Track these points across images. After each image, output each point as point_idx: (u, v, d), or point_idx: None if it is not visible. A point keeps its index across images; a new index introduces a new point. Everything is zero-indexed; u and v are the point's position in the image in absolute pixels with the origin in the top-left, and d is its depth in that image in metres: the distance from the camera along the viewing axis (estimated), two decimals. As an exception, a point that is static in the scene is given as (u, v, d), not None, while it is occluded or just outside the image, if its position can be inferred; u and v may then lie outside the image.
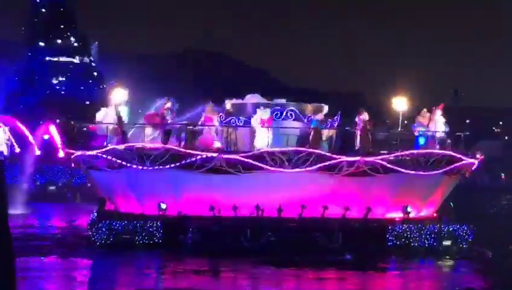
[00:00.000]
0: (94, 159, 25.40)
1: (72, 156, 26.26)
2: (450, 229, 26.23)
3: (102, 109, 27.05)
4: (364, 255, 24.78)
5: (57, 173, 50.03)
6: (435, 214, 27.77)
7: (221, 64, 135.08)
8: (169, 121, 25.88)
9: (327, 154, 25.43)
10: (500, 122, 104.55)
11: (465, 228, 26.45)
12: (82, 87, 72.17)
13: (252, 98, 29.07)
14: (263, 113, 25.84)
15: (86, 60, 75.08)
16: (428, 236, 26.01)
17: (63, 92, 72.51)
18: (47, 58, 73.88)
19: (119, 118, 25.29)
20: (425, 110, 28.19)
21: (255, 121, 25.89)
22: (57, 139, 54.62)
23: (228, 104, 28.31)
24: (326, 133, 27.08)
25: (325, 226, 25.33)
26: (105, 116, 26.08)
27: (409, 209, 26.39)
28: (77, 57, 73.99)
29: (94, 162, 25.56)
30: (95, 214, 26.43)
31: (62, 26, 73.72)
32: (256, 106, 27.63)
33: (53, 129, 53.35)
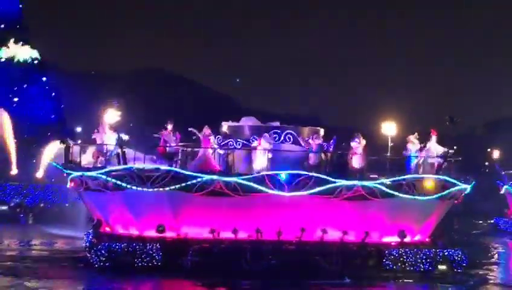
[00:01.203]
0: (92, 180, 25.18)
1: (70, 177, 26.02)
2: (445, 253, 26.54)
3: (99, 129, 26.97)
4: (362, 279, 24.97)
5: (10, 193, 48.80)
6: (427, 239, 28.10)
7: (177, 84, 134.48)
8: (172, 144, 25.88)
9: (326, 177, 25.59)
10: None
11: (459, 253, 26.79)
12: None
13: (247, 121, 29.19)
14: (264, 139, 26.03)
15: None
16: (423, 260, 26.27)
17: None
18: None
19: (121, 139, 25.21)
20: (412, 136, 28.52)
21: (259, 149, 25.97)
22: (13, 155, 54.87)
23: (225, 126, 28.38)
24: (323, 157, 27.34)
25: (324, 250, 25.46)
26: (105, 138, 25.97)
27: (403, 233, 26.67)
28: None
29: (91, 183, 25.33)
30: (91, 235, 26.16)
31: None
32: (253, 128, 27.83)
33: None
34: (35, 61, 66.68)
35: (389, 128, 32.93)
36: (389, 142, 31.63)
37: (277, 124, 29.19)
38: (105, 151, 26.13)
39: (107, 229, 26.43)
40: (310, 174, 25.51)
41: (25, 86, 65.63)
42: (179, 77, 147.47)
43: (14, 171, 53.53)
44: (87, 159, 26.38)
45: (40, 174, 51.58)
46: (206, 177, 24.87)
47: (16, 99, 64.34)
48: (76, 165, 26.28)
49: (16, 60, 65.66)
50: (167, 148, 26.16)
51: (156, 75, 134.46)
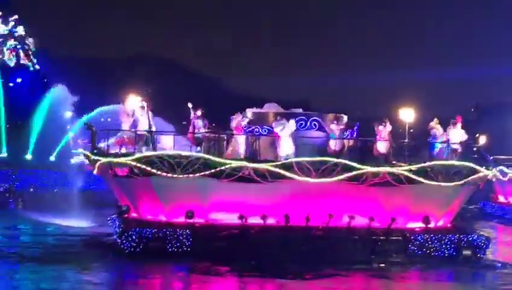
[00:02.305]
0: (121, 167, 25.31)
1: (98, 163, 26.13)
2: (469, 239, 26.84)
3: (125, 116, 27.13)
4: (390, 264, 25.25)
5: None
6: (449, 225, 28.39)
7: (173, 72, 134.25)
8: (201, 130, 26.04)
9: (353, 164, 25.79)
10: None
11: (483, 238, 27.11)
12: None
13: (270, 107, 29.34)
14: (290, 125, 26.16)
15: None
16: (448, 246, 26.55)
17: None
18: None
19: (150, 125, 25.36)
20: (433, 122, 28.75)
21: (283, 133, 26.12)
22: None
23: (249, 113, 28.48)
24: (346, 143, 27.58)
25: (351, 236, 25.70)
26: (136, 123, 26.12)
27: (427, 219, 26.94)
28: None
29: (120, 170, 25.45)
30: (120, 221, 26.32)
31: None
32: (278, 115, 27.96)
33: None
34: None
35: (407, 115, 33.25)
36: (407, 128, 31.96)
37: (300, 110, 29.36)
38: (134, 137, 26.32)
39: (134, 215, 26.56)
40: (337, 160, 25.70)
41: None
42: (170, 62, 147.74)
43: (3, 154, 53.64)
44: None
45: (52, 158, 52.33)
46: (235, 163, 25.04)
47: (8, 83, 64.49)
48: (103, 151, 26.46)
49: None
50: (195, 134, 26.31)
51: (148, 61, 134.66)
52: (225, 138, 27.52)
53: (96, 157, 26.08)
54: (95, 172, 27.25)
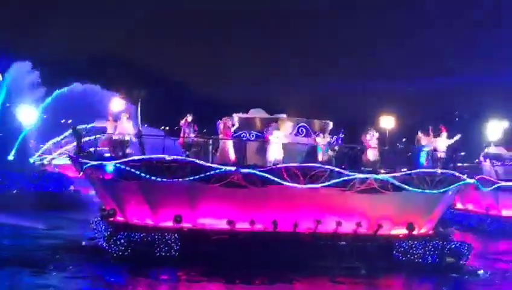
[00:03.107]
0: (110, 170, 25.15)
1: (85, 166, 25.92)
2: (453, 246, 27.22)
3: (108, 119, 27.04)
4: (376, 270, 25.49)
5: None
6: (431, 231, 28.75)
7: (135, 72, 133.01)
8: (191, 135, 26.01)
9: (341, 171, 25.99)
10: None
11: (466, 245, 27.52)
12: None
13: (256, 113, 29.43)
14: (284, 128, 26.33)
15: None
16: (431, 253, 26.90)
17: None
18: None
19: (139, 130, 25.28)
20: (420, 133, 29.21)
21: (274, 137, 26.22)
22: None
23: (235, 118, 28.54)
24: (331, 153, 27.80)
25: (338, 242, 25.89)
26: (120, 127, 25.97)
27: (411, 226, 27.27)
28: None
29: (108, 173, 25.30)
30: (107, 225, 26.13)
31: None
32: (265, 120, 28.08)
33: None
34: None
35: (387, 122, 33.68)
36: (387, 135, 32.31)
37: (284, 116, 29.48)
38: (120, 140, 26.21)
39: (120, 218, 26.39)
40: (325, 167, 25.88)
41: None
42: (130, 63, 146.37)
43: None
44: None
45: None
46: (224, 168, 25.05)
47: None
48: (90, 154, 26.30)
49: None
50: (185, 139, 26.28)
51: (110, 62, 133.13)
52: (210, 142, 27.56)
53: (84, 161, 25.87)
54: (80, 175, 27.03)
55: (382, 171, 27.12)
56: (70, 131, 57.66)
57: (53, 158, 59.33)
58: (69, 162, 61.96)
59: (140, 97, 25.95)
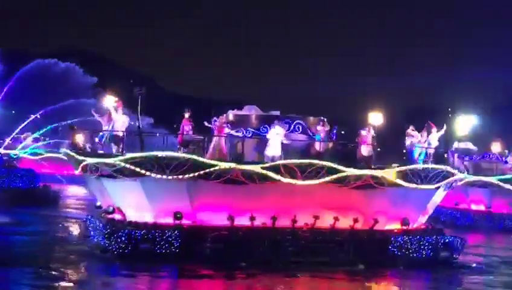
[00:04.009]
0: (109, 167, 25.10)
1: (83, 163, 25.82)
2: (447, 240, 27.68)
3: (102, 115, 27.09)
4: (374, 265, 25.81)
5: None
6: (423, 226, 29.19)
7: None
8: (190, 132, 26.06)
9: (338, 167, 26.24)
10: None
11: (459, 240, 28.01)
12: None
13: (250, 109, 29.58)
14: (278, 129, 26.49)
15: None
16: (426, 247, 27.30)
17: None
18: None
19: (139, 127, 25.28)
20: (410, 128, 29.61)
21: (272, 135, 26.39)
22: None
23: (230, 115, 28.65)
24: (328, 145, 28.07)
25: (336, 237, 26.15)
26: (116, 123, 26.03)
27: (406, 221, 27.66)
28: None
29: (108, 170, 25.23)
30: (105, 222, 26.05)
31: None
32: (260, 117, 28.25)
33: None
34: None
35: (376, 118, 34.02)
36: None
37: (277, 113, 29.69)
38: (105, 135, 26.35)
39: (118, 216, 26.32)
40: (323, 163, 26.11)
41: None
42: (101, 56, 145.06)
43: None
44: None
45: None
46: (224, 165, 25.15)
47: None
48: (87, 151, 26.24)
49: None
50: (184, 136, 26.33)
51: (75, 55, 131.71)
52: (205, 139, 27.67)
53: (82, 158, 25.76)
54: (77, 172, 26.93)
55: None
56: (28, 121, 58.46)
57: (19, 152, 59.30)
58: (37, 157, 62.37)
59: (141, 93, 25.83)
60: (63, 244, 28.22)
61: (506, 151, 48.52)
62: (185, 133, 26.29)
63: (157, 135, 28.12)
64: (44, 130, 69.37)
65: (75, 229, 32.55)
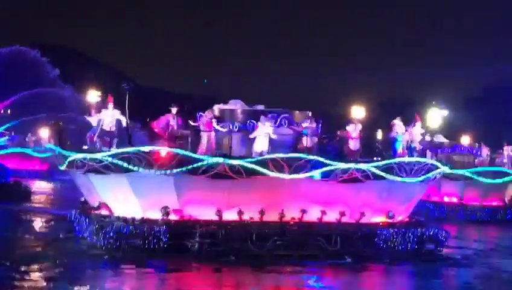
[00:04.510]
0: (97, 163, 25.00)
1: (69, 159, 25.70)
2: (431, 233, 27.98)
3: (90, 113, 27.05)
4: (361, 258, 26.04)
5: None
6: (407, 219, 29.47)
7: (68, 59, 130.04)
8: (174, 127, 26.03)
9: (325, 160, 26.39)
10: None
11: (443, 232, 28.32)
12: None
13: (235, 104, 29.61)
14: (266, 123, 26.61)
15: None
16: (411, 240, 27.58)
17: None
18: None
19: (127, 122, 25.23)
20: (396, 120, 29.83)
21: (261, 132, 26.49)
22: None
23: (216, 109, 28.67)
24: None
25: (324, 230, 26.33)
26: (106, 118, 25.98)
27: (391, 214, 27.93)
28: None
29: (95, 166, 25.13)
30: (92, 218, 25.97)
31: None
32: (247, 112, 28.31)
33: None
34: None
35: (358, 112, 34.20)
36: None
37: (262, 107, 29.80)
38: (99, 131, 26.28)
39: (105, 212, 26.25)
40: (310, 157, 26.25)
41: None
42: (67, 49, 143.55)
43: None
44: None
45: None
46: (212, 160, 25.17)
47: None
48: (73, 147, 26.16)
49: None
50: (168, 132, 26.31)
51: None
52: (192, 134, 27.69)
53: (69, 153, 25.63)
54: (63, 168, 26.79)
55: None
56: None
57: None
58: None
59: (128, 89, 25.74)
60: (48, 240, 28.01)
61: (476, 144, 49.14)
62: (169, 128, 26.25)
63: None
64: (8, 125, 68.94)
65: (57, 225, 32.27)
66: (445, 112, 49.38)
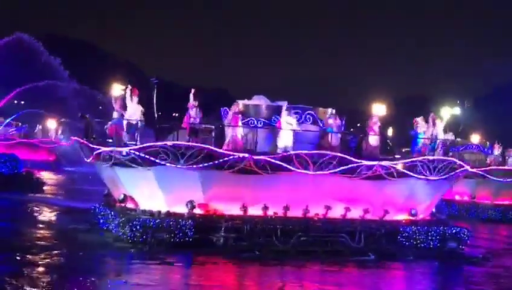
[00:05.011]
0: (123, 156, 25.16)
1: (96, 152, 25.86)
2: (453, 231, 28.04)
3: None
4: (384, 255, 26.13)
5: None
6: (428, 217, 29.53)
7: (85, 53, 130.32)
8: (197, 120, 26.16)
9: (349, 158, 26.49)
10: None
11: (465, 230, 28.38)
12: None
13: (258, 99, 29.65)
14: (289, 118, 26.65)
15: None
16: (434, 238, 27.66)
17: None
18: None
19: (155, 116, 25.36)
20: (419, 118, 29.88)
21: (284, 124, 26.57)
22: None
23: (240, 104, 28.70)
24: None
25: (348, 227, 26.43)
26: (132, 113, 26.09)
27: (413, 212, 28.01)
28: None
29: (121, 159, 25.28)
30: (118, 211, 26.12)
31: None
32: (271, 108, 28.37)
33: None
34: None
35: (379, 109, 34.24)
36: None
37: (285, 103, 29.77)
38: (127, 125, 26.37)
39: (130, 205, 26.39)
40: (334, 154, 26.33)
41: None
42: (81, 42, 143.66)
43: None
44: None
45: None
46: (238, 155, 25.27)
47: None
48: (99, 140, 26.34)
49: None
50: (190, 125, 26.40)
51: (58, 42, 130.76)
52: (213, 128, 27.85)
53: (96, 146, 25.79)
54: (89, 160, 26.96)
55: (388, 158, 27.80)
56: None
57: None
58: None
59: (155, 84, 25.88)
60: (71, 232, 28.15)
61: (488, 142, 49.12)
62: (191, 122, 26.35)
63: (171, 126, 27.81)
64: (13, 116, 69.15)
65: (79, 217, 32.39)
66: (457, 110, 49.55)
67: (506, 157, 47.52)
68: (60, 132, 69.96)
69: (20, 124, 70.72)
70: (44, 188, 45.90)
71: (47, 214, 33.41)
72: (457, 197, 45.58)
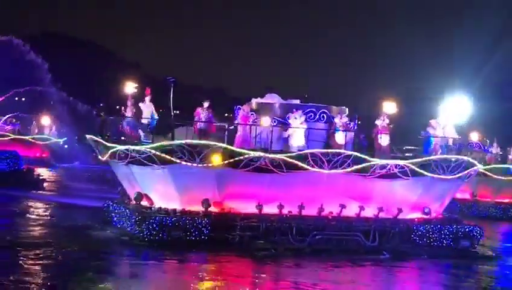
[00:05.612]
0: (139, 154, 25.21)
1: (111, 150, 25.90)
2: (467, 229, 28.12)
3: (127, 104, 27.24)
4: (399, 254, 26.20)
5: None
6: (440, 215, 29.61)
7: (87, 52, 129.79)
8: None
9: (363, 156, 26.54)
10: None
11: (478, 229, 28.45)
12: None
13: (271, 98, 29.67)
14: (297, 117, 26.77)
15: None
16: (447, 236, 27.74)
17: None
18: None
19: (171, 115, 25.47)
20: (434, 120, 29.91)
21: (293, 122, 26.68)
22: None
23: (254, 103, 28.75)
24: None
25: (362, 226, 26.50)
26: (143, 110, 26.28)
27: (427, 210, 28.07)
28: None
29: (137, 157, 25.33)
30: (133, 209, 26.16)
31: None
32: (285, 106, 28.40)
33: None
34: None
35: (390, 107, 34.26)
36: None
37: (297, 101, 29.85)
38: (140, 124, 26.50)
39: (145, 203, 26.43)
40: (349, 153, 26.40)
41: None
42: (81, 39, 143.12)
43: None
44: None
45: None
46: (254, 154, 25.33)
47: None
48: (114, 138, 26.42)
49: None
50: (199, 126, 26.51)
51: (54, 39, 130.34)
52: (226, 127, 27.91)
53: (112, 145, 25.84)
54: (103, 158, 27.01)
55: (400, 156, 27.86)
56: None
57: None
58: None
59: (172, 82, 25.92)
60: (84, 230, 28.16)
61: (488, 140, 49.16)
62: (199, 123, 26.45)
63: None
64: (9, 115, 69.07)
65: (92, 215, 32.38)
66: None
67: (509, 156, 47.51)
68: (53, 128, 69.98)
69: (14, 120, 70.57)
70: (44, 185, 45.90)
71: (55, 212, 33.28)
72: (458, 195, 45.56)
